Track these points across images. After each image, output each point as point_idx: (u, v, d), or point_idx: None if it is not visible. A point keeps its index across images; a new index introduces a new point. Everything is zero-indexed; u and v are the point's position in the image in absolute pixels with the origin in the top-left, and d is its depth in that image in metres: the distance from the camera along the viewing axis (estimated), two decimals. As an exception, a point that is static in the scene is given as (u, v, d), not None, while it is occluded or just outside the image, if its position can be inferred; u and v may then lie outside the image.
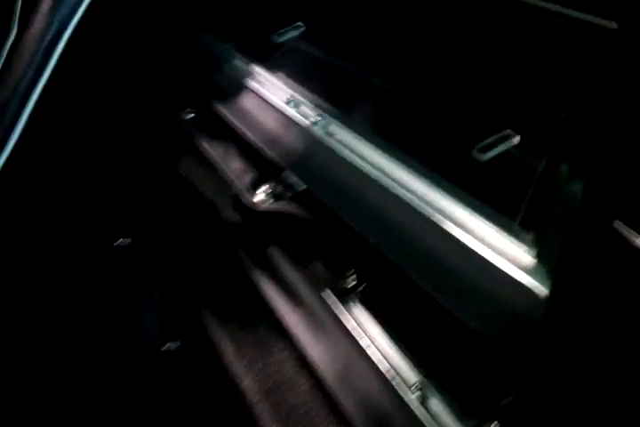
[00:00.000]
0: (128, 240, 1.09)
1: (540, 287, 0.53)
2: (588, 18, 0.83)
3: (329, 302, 0.75)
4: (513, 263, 0.55)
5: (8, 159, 0.89)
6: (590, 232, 0.69)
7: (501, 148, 0.68)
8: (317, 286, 0.77)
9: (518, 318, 0.54)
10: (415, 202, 0.65)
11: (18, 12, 1.09)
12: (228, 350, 0.85)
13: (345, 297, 0.74)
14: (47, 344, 0.92)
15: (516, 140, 0.69)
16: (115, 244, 1.06)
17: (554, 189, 0.65)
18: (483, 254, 0.57)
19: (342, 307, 0.74)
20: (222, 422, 0.83)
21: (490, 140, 0.69)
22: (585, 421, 0.59)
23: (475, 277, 0.58)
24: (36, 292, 0.99)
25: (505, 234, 0.57)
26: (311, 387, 0.78)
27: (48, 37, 0.97)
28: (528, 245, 0.55)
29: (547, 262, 0.54)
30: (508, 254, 0.56)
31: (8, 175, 0.88)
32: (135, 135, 1.08)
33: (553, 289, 0.52)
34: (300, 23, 1.03)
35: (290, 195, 0.83)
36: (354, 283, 0.74)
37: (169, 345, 0.91)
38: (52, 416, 0.86)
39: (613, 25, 0.81)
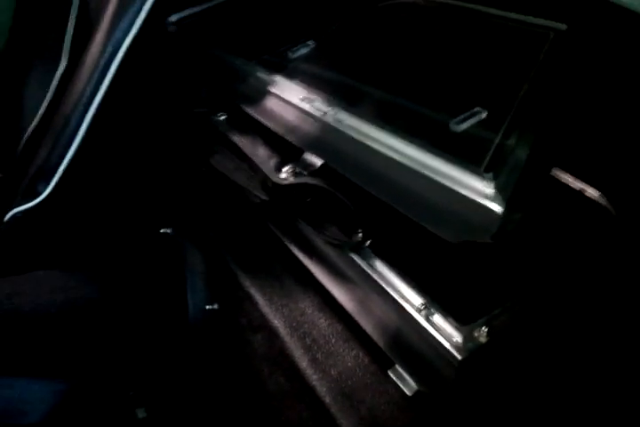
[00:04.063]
0: (169, 230, 1.27)
1: (497, 207, 0.71)
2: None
3: (345, 254, 0.93)
4: (479, 194, 0.74)
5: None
6: (532, 175, 0.88)
7: (472, 121, 0.87)
8: (334, 245, 0.95)
9: (484, 226, 0.72)
10: (406, 162, 0.83)
11: (69, 43, 1.28)
12: (260, 301, 1.05)
13: (357, 250, 0.92)
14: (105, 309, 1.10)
15: (485, 115, 0.88)
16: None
17: (510, 147, 0.84)
18: (456, 190, 0.76)
19: (356, 257, 0.91)
20: (257, 353, 1.01)
21: (463, 115, 0.88)
22: (553, 329, 0.78)
23: (450, 206, 0.76)
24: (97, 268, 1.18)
25: (473, 174, 0.75)
26: (329, 324, 0.99)
27: (101, 64, 1.08)
28: (488, 180, 0.74)
29: (503, 192, 0.73)
30: (475, 189, 0.74)
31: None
32: (177, 138, 1.28)
33: (507, 208, 0.71)
34: (310, 42, 1.23)
35: (308, 172, 1.01)
36: (363, 238, 0.92)
37: (211, 307, 1.08)
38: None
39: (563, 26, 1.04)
